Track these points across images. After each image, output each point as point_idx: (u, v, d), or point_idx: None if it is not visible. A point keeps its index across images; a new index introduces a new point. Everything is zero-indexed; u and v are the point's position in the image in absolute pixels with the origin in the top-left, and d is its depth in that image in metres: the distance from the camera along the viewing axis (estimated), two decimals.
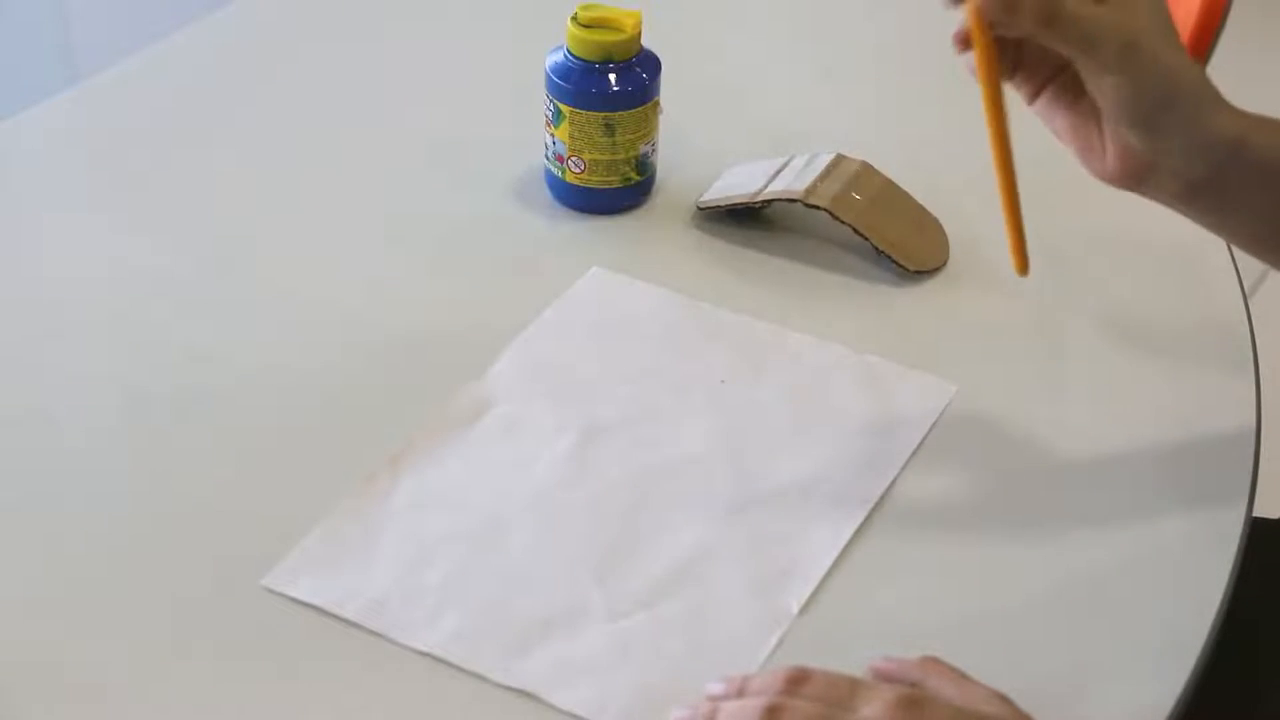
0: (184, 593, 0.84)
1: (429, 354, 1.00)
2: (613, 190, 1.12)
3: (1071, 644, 0.84)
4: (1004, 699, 0.76)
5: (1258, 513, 0.94)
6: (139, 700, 0.79)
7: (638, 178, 1.12)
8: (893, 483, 0.92)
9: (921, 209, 1.10)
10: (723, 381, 0.98)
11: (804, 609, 0.84)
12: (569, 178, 1.12)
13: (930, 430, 0.95)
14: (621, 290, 1.05)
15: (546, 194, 1.13)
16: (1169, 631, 0.85)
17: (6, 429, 0.94)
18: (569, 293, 1.04)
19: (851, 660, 0.79)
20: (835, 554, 0.87)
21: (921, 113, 1.27)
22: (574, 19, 1.09)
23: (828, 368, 1.00)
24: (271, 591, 0.83)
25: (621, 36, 1.08)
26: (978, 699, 0.75)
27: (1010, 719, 0.75)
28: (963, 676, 0.77)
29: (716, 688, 0.77)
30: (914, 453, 0.94)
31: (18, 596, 0.84)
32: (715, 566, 0.86)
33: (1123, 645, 0.84)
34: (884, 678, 0.78)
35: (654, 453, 0.93)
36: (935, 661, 0.78)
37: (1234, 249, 1.11)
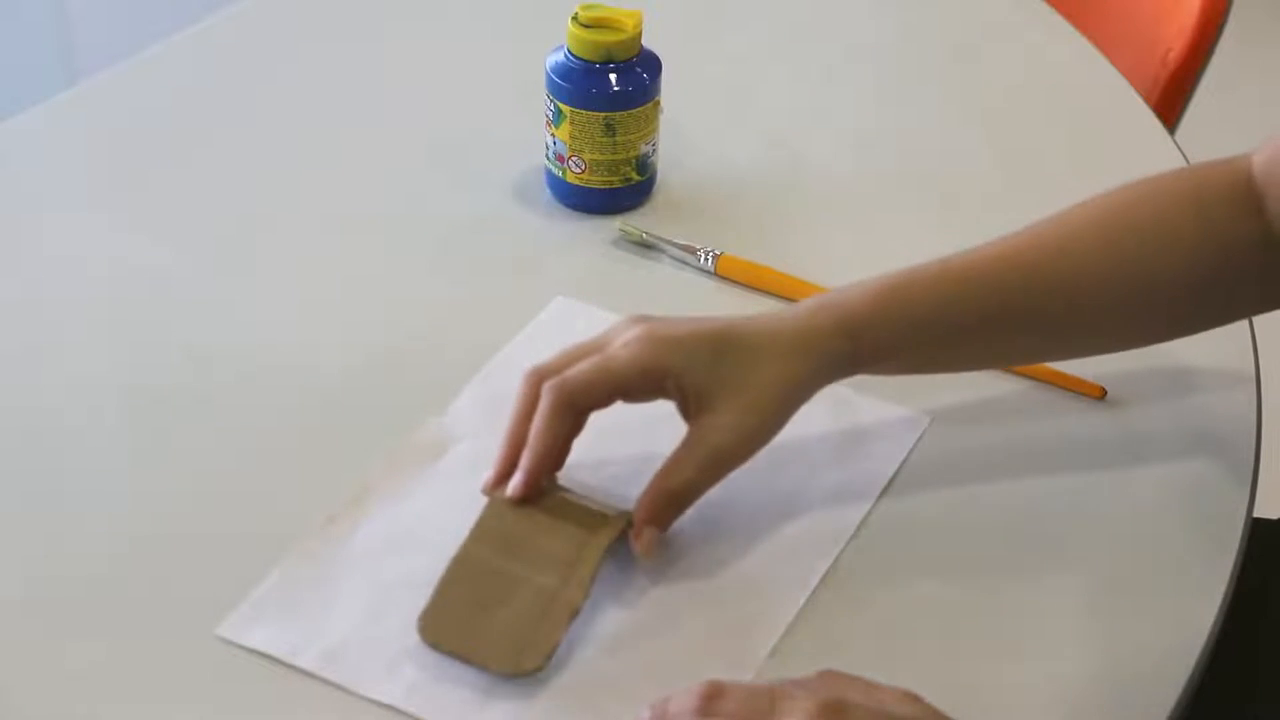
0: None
1: (415, 369, 0.99)
2: (613, 190, 1.12)
3: (1071, 645, 0.84)
4: (915, 698, 0.75)
5: (1258, 513, 0.94)
6: None
7: (638, 178, 1.12)
8: (865, 518, 0.90)
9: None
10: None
11: (774, 652, 0.83)
12: (569, 178, 1.12)
13: (904, 463, 0.94)
14: (585, 320, 1.02)
15: (546, 194, 1.13)
16: (1169, 631, 0.85)
17: (5, 428, 0.94)
18: (531, 324, 1.02)
19: None
20: (806, 594, 0.85)
21: (921, 113, 1.27)
22: (574, 19, 1.09)
23: None
24: (226, 641, 0.82)
25: (622, 36, 1.08)
26: (890, 701, 0.74)
27: (927, 717, 0.75)
28: (867, 682, 0.75)
29: (644, 714, 0.75)
30: (887, 486, 0.92)
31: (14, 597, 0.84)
32: (682, 609, 0.84)
33: (1122, 646, 0.84)
34: None
35: (619, 490, 0.90)
36: (834, 673, 0.76)
37: None
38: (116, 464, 0.93)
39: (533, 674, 0.80)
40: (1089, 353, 0.97)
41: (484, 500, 0.87)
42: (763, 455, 0.92)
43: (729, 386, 0.86)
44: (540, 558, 0.83)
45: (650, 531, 0.85)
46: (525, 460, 0.86)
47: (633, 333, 0.87)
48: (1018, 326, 0.93)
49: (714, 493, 0.89)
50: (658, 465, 0.90)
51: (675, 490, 0.86)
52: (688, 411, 0.87)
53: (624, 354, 0.86)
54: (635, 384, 0.87)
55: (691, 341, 0.87)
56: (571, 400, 0.86)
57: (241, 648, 0.82)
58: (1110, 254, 0.92)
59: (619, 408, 0.88)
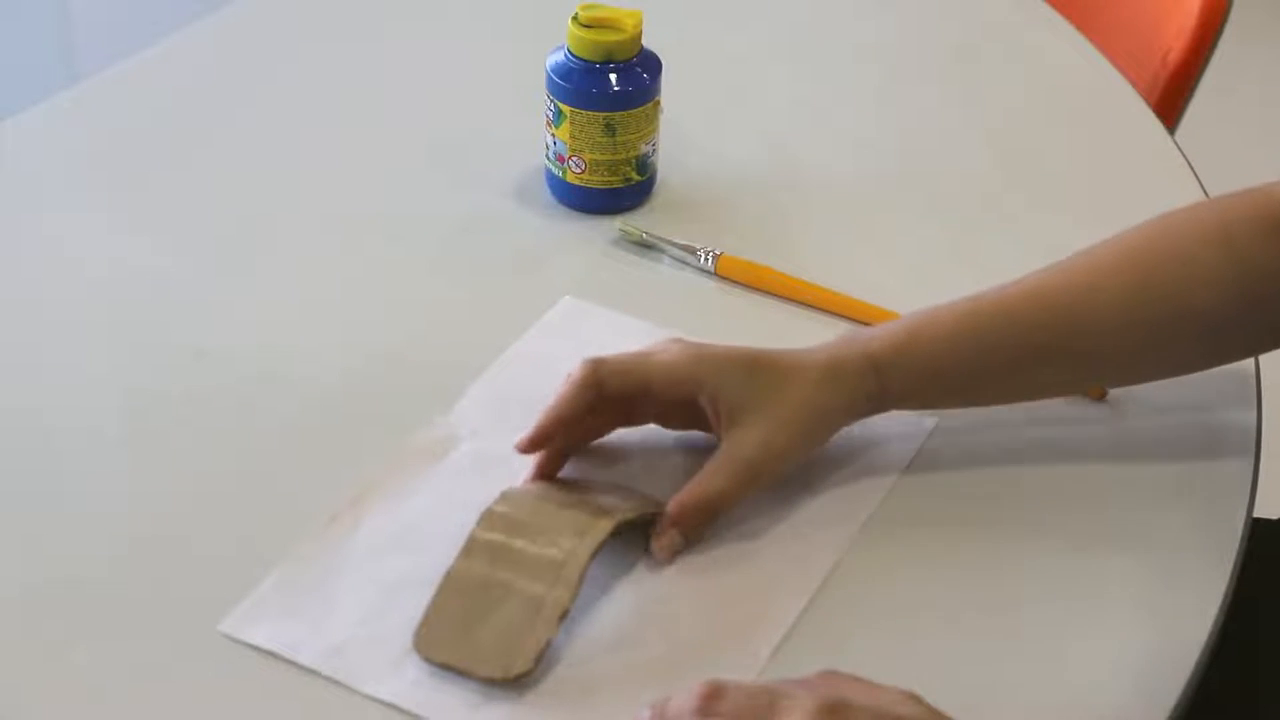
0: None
1: (417, 369, 0.99)
2: (613, 190, 1.12)
3: (1071, 645, 0.84)
4: (915, 698, 0.75)
5: (1258, 513, 0.94)
6: None
7: (638, 178, 1.12)
8: (870, 518, 0.90)
9: None
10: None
11: (775, 653, 0.82)
12: (569, 178, 1.11)
13: (909, 464, 0.93)
14: (590, 320, 1.03)
15: (546, 194, 1.13)
16: (1169, 631, 0.85)
17: (5, 428, 0.94)
18: (538, 324, 1.02)
19: None
20: (808, 596, 0.85)
21: (921, 113, 1.27)
22: (574, 19, 1.09)
23: None
24: (228, 637, 0.82)
25: (622, 36, 1.08)
26: (890, 702, 0.74)
27: (927, 718, 0.75)
28: (868, 682, 0.75)
29: (644, 713, 0.75)
30: (892, 488, 0.92)
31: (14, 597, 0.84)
32: (683, 609, 0.84)
33: (1122, 646, 0.84)
34: None
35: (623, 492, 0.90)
36: (835, 673, 0.76)
37: None
38: (118, 464, 0.93)
39: (523, 678, 0.80)
40: (1123, 385, 0.98)
41: (486, 499, 0.87)
42: None
43: (760, 404, 0.88)
44: (530, 565, 0.83)
45: (673, 534, 0.87)
46: (538, 419, 0.89)
47: (673, 346, 0.90)
48: (1047, 364, 0.93)
49: None
50: (659, 468, 0.91)
51: (707, 497, 0.87)
52: (719, 426, 0.89)
53: (662, 356, 0.89)
54: (668, 385, 0.89)
55: (726, 359, 0.89)
56: (601, 378, 0.88)
57: (243, 644, 0.82)
58: (1138, 291, 0.93)
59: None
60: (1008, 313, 0.92)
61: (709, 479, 0.88)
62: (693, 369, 0.89)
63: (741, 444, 0.88)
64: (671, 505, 0.87)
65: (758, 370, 0.89)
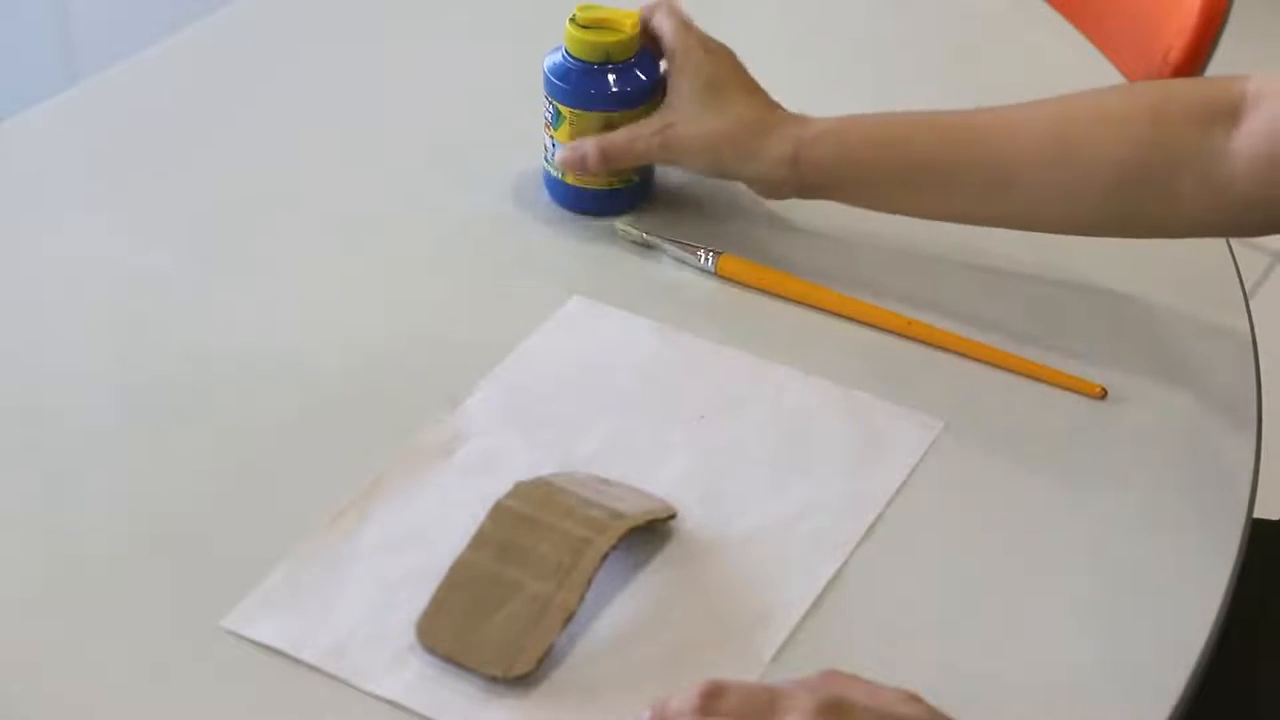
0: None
1: (420, 368, 1.00)
2: (612, 192, 1.11)
3: (1072, 646, 0.84)
4: (915, 698, 0.75)
5: (1258, 513, 0.94)
6: None
7: (637, 179, 1.12)
8: (875, 522, 0.90)
9: None
10: (702, 417, 0.95)
11: (777, 656, 0.82)
12: (569, 179, 1.11)
13: (916, 466, 0.93)
14: (601, 320, 1.03)
15: (546, 195, 1.13)
16: (1169, 632, 0.85)
17: (6, 428, 0.94)
18: (547, 323, 1.02)
19: None
20: (811, 599, 0.85)
21: None
22: (572, 20, 1.09)
23: (811, 402, 0.97)
24: (231, 633, 0.82)
25: (620, 37, 1.08)
26: (890, 701, 0.74)
27: (927, 718, 0.75)
28: (869, 683, 0.75)
29: (644, 713, 0.75)
30: (899, 490, 0.92)
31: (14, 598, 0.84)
32: (686, 610, 0.84)
33: (1123, 647, 0.84)
34: None
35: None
36: (836, 673, 0.76)
37: (1233, 247, 1.11)
38: (118, 463, 0.93)
39: (523, 678, 0.80)
40: (1018, 222, 1.04)
41: (492, 499, 0.87)
42: (774, 459, 0.93)
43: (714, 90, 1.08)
44: (538, 563, 0.83)
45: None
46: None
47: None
48: (958, 179, 1.04)
49: (723, 493, 0.90)
50: (665, 468, 0.91)
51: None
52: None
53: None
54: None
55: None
56: None
57: (247, 640, 0.82)
58: (1061, 129, 1.02)
59: (635, 420, 0.92)
60: (933, 123, 1.06)
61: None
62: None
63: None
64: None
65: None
